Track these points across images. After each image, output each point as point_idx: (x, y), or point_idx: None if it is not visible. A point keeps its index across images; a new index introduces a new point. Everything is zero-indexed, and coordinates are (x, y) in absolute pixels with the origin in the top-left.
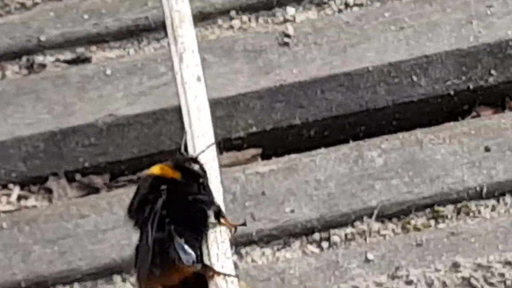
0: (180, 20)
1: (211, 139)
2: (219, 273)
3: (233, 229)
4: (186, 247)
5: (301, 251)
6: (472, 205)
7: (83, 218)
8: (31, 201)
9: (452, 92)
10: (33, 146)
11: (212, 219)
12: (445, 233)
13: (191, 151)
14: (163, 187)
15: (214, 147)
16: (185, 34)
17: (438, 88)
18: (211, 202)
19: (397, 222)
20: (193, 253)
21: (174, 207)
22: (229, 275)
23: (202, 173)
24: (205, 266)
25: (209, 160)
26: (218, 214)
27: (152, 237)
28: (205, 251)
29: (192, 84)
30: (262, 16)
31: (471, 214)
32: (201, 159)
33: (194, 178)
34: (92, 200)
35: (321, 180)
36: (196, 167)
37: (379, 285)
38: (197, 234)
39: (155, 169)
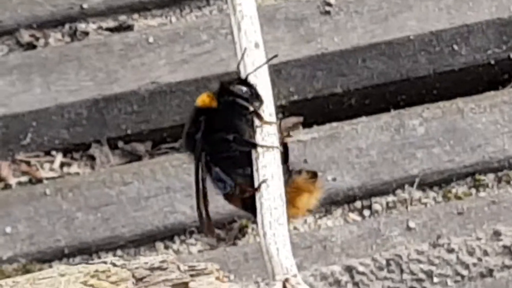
0: None
1: (271, 107)
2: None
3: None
4: (221, 175)
5: (342, 219)
6: None
7: (126, 185)
8: (74, 168)
9: (492, 61)
10: (76, 113)
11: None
12: (486, 202)
13: None
14: (201, 118)
15: (274, 115)
16: (243, 1)
17: (478, 57)
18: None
19: (438, 190)
20: (228, 181)
21: (212, 137)
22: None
23: (248, 94)
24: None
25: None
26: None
27: (200, 173)
28: (259, 219)
29: (250, 51)
30: None
31: None
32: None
33: (232, 104)
34: (135, 167)
35: (362, 149)
36: (243, 89)
37: (421, 253)
38: (235, 161)
39: (199, 99)
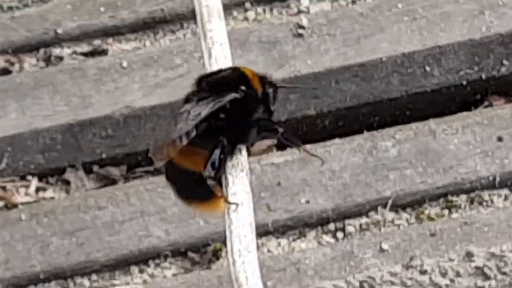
0: (208, 15)
1: None
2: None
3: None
4: (217, 161)
5: (316, 241)
6: (485, 194)
7: (101, 209)
8: (49, 193)
9: (464, 82)
10: (51, 138)
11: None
12: (458, 223)
13: None
14: (243, 87)
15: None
16: (214, 28)
17: (451, 78)
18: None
19: (411, 212)
20: (217, 172)
21: (237, 110)
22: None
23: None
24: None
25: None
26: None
27: (205, 114)
28: (228, 247)
29: None
30: (276, 7)
31: (484, 203)
32: None
33: (270, 99)
34: (110, 191)
35: (335, 171)
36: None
37: (394, 275)
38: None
39: (247, 70)
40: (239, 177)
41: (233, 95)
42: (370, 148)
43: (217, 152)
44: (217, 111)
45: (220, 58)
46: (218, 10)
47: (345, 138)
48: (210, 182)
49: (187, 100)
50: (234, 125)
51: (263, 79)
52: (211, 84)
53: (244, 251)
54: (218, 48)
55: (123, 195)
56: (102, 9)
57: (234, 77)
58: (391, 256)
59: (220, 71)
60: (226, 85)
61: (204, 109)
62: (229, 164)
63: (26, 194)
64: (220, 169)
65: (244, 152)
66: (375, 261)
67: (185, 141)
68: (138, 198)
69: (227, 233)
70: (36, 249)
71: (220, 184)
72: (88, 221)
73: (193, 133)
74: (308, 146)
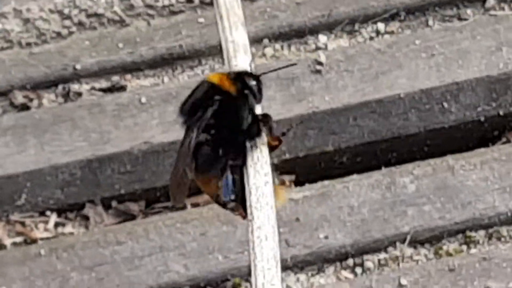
0: (234, 50)
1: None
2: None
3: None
4: (230, 182)
5: (335, 276)
6: (504, 230)
7: (120, 244)
8: (68, 228)
9: (482, 118)
10: (70, 173)
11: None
12: (477, 258)
13: None
14: (217, 97)
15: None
16: (239, 63)
17: (468, 115)
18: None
19: (430, 247)
20: (234, 193)
21: (222, 120)
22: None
23: (258, 92)
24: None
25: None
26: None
27: (194, 142)
28: (253, 281)
29: None
30: (294, 44)
31: (503, 239)
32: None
33: (249, 96)
34: (129, 227)
35: (354, 206)
36: (254, 83)
37: None
38: (240, 154)
39: (214, 77)
40: (264, 210)
41: (210, 110)
42: (388, 184)
43: (225, 174)
44: (208, 130)
45: None
46: (244, 45)
47: (363, 174)
48: (229, 206)
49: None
50: (230, 137)
51: (240, 76)
52: (189, 110)
53: (267, 285)
54: None
55: (142, 230)
56: (120, 45)
57: (205, 91)
58: None
59: (191, 93)
60: (201, 104)
61: (192, 138)
62: (254, 198)
63: (45, 229)
64: (236, 188)
65: (270, 186)
66: None
67: (190, 175)
68: (157, 233)
69: (252, 268)
70: (56, 284)
71: (242, 200)
72: (108, 256)
73: (193, 164)
74: (326, 182)
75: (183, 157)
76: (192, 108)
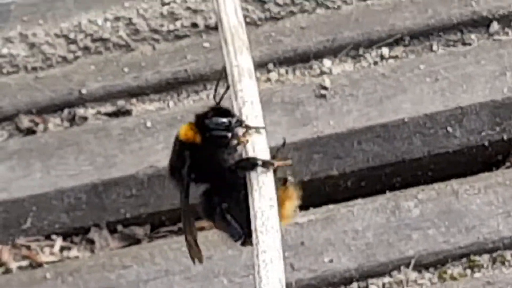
0: (239, 74)
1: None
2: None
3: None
4: (233, 222)
5: None
6: (508, 254)
7: (125, 268)
8: (73, 252)
9: (486, 143)
10: (75, 197)
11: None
12: (481, 282)
13: None
14: (186, 153)
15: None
16: (244, 87)
17: (472, 139)
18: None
19: (434, 271)
20: (240, 230)
21: (205, 168)
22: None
23: (225, 127)
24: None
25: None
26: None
27: (184, 201)
28: None
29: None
30: (299, 68)
31: (507, 263)
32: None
33: (215, 139)
34: (134, 250)
35: (358, 230)
36: (211, 120)
37: None
38: (238, 197)
39: (182, 131)
40: (269, 234)
41: (185, 167)
42: (393, 208)
43: (227, 219)
44: (201, 181)
45: (251, 117)
46: (249, 70)
47: (367, 198)
48: (240, 244)
49: None
50: (224, 178)
51: (199, 120)
52: (171, 172)
53: None
54: (249, 107)
55: (147, 254)
56: (126, 69)
57: (177, 150)
58: None
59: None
60: (177, 163)
61: (181, 199)
62: (259, 222)
63: (51, 253)
64: (243, 229)
65: (275, 209)
66: None
67: (195, 231)
68: (162, 257)
69: None
70: None
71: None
72: (113, 280)
73: (193, 220)
74: (331, 206)
75: (184, 217)
76: (173, 170)
